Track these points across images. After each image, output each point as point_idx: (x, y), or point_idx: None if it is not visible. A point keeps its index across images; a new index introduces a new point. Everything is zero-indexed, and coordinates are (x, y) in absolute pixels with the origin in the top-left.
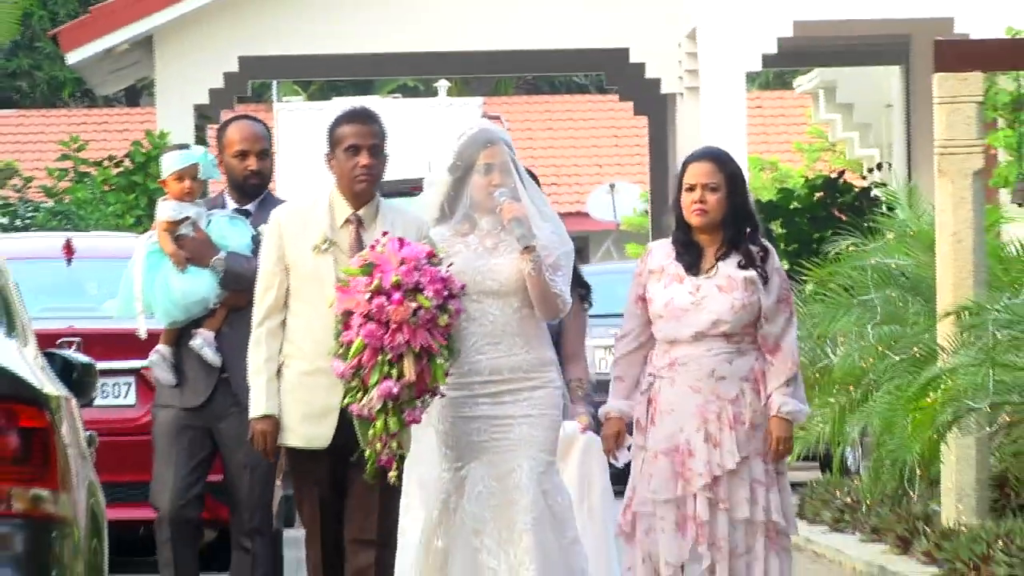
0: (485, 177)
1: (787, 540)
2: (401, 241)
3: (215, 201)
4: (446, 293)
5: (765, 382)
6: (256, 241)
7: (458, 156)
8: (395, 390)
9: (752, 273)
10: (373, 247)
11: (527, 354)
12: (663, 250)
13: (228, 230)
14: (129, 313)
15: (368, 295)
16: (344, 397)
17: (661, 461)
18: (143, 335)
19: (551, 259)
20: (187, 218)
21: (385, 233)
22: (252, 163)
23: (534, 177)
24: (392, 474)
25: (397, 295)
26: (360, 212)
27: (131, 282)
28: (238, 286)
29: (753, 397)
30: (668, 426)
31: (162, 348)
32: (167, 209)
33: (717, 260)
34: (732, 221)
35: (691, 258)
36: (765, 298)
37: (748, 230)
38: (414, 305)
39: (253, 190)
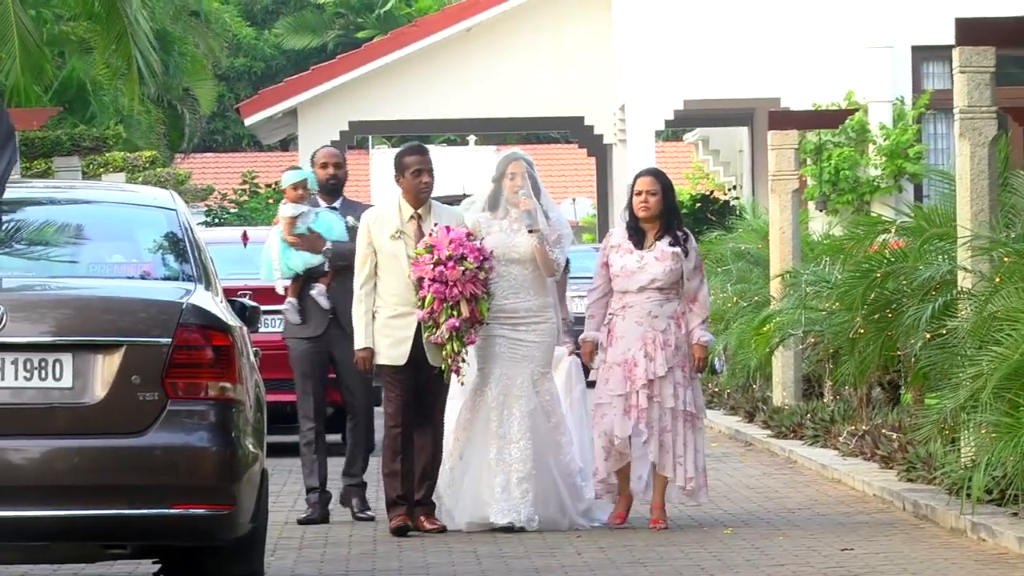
0: (511, 182)
1: (699, 421)
2: (447, 228)
3: (312, 201)
4: (482, 258)
5: (684, 320)
6: (347, 226)
7: (497, 168)
8: (457, 324)
9: (678, 249)
10: (430, 234)
11: (536, 300)
12: (619, 232)
13: (332, 221)
14: (270, 277)
15: (432, 266)
16: (424, 332)
17: (615, 370)
18: (280, 291)
19: (554, 237)
20: (302, 213)
21: (436, 224)
22: (331, 171)
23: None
24: (460, 378)
25: (451, 263)
26: (419, 211)
27: (270, 258)
28: (342, 262)
29: (676, 329)
30: (620, 347)
31: (291, 299)
32: (288, 209)
33: (655, 240)
34: (665, 215)
35: (638, 238)
36: (686, 265)
37: (676, 221)
38: (462, 268)
39: (332, 189)
